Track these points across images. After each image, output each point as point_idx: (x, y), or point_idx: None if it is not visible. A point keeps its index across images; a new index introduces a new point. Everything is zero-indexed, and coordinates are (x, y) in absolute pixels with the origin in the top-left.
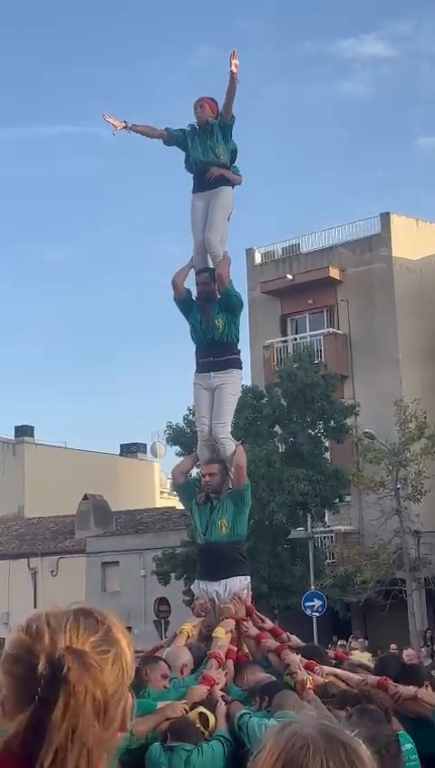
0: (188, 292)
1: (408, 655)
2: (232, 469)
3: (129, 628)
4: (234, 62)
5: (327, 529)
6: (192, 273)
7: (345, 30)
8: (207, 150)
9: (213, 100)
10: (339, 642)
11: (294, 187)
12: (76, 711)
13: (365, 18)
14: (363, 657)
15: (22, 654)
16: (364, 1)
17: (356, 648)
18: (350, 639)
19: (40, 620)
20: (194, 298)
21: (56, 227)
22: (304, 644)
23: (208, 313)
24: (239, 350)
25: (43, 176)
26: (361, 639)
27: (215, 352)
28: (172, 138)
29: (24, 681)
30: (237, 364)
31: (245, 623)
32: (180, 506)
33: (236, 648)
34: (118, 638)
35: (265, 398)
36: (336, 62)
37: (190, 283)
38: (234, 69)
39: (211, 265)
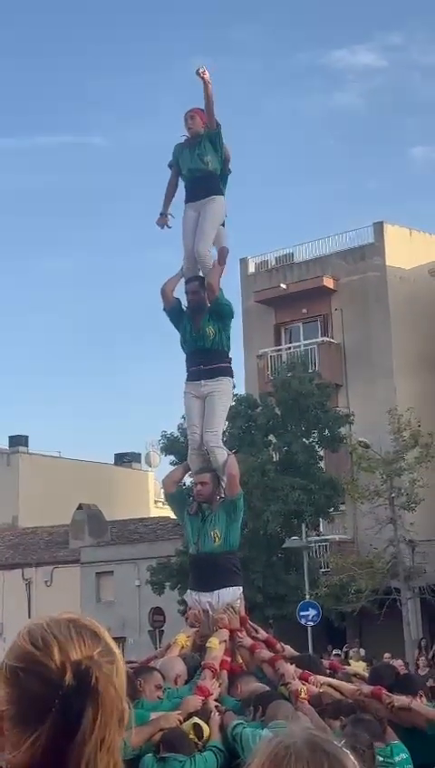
0: (178, 301)
1: (398, 666)
2: (224, 478)
3: (123, 639)
4: (201, 70)
5: (322, 538)
6: (182, 282)
7: (337, 41)
8: (196, 159)
9: (202, 110)
10: (334, 652)
11: (288, 196)
12: (105, 721)
13: (357, 29)
14: (359, 667)
15: (29, 666)
16: (356, 12)
17: (352, 658)
18: (345, 649)
19: (44, 631)
20: (184, 307)
21: (52, 237)
22: (298, 654)
23: (198, 322)
24: (230, 359)
25: (40, 185)
26: (355, 649)
27: (205, 360)
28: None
29: (34, 695)
30: (228, 372)
31: (239, 633)
32: (175, 516)
33: (229, 659)
34: (114, 647)
35: (260, 408)
36: (329, 73)
37: (180, 293)
38: (204, 75)
39: (201, 274)
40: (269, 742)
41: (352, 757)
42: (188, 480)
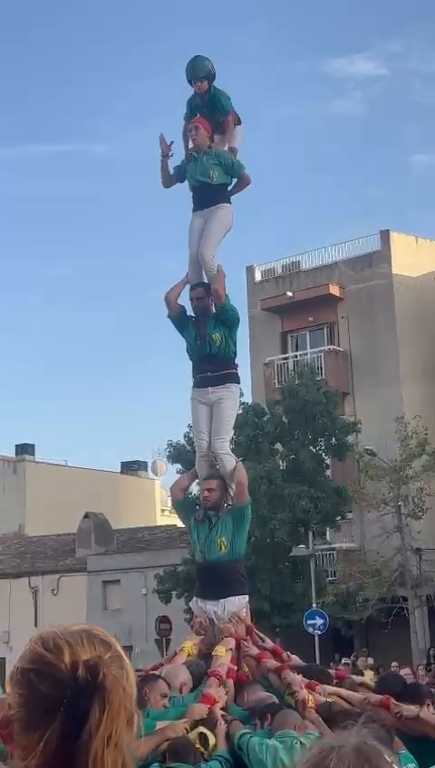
0: (183, 308)
1: (405, 674)
2: (232, 486)
3: (130, 647)
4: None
5: (329, 546)
6: (187, 288)
7: (337, 49)
8: (201, 171)
9: (205, 119)
10: (343, 660)
11: (293, 204)
12: (112, 717)
13: (356, 38)
14: (366, 676)
15: (40, 668)
16: (355, 20)
17: (361, 666)
18: (353, 658)
19: (55, 636)
20: (189, 314)
21: (55, 244)
22: (304, 664)
23: (204, 328)
24: (237, 365)
25: (41, 193)
26: (363, 658)
27: (212, 367)
28: (180, 176)
29: (43, 695)
30: (235, 379)
31: (245, 642)
32: (181, 524)
33: (236, 668)
34: (124, 655)
35: (267, 416)
36: (329, 81)
37: (185, 300)
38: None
39: (205, 280)
40: (320, 741)
41: None
42: (195, 488)
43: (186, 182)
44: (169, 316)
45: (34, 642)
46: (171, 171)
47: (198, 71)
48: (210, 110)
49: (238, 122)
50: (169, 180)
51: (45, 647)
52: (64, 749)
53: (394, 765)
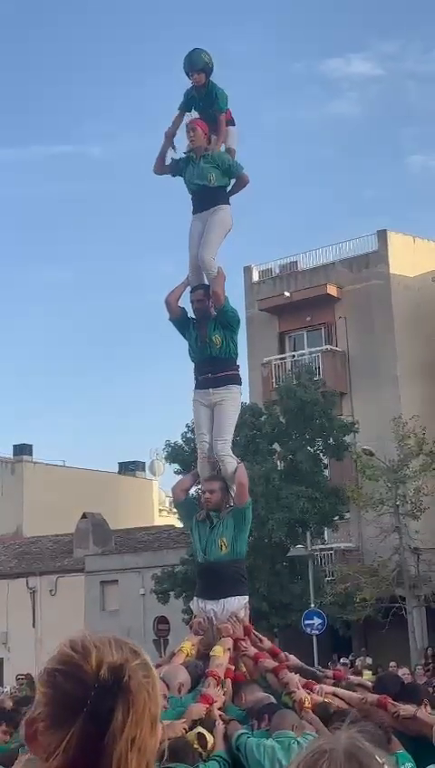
0: (183, 310)
1: (403, 674)
2: (233, 487)
3: None
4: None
5: (326, 546)
6: (187, 291)
7: (333, 50)
8: (199, 174)
9: (203, 120)
10: (341, 660)
11: (291, 205)
12: (136, 720)
13: (352, 38)
14: (364, 676)
15: (66, 668)
16: (351, 21)
17: (359, 666)
18: (351, 657)
19: (85, 639)
20: (190, 316)
21: (53, 247)
22: (301, 664)
23: (205, 330)
24: (238, 366)
25: (38, 195)
26: (361, 658)
27: (213, 368)
28: (174, 169)
29: (69, 696)
30: (237, 380)
31: (243, 643)
32: (179, 524)
33: (233, 668)
34: (151, 665)
35: (264, 416)
36: (325, 82)
37: (186, 302)
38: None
39: (206, 282)
40: (312, 743)
41: None
42: (193, 489)
43: (184, 184)
44: (169, 319)
45: (63, 644)
46: (168, 161)
47: (196, 63)
48: (206, 104)
49: (232, 123)
50: (161, 167)
51: (74, 648)
52: (87, 750)
53: (386, 766)
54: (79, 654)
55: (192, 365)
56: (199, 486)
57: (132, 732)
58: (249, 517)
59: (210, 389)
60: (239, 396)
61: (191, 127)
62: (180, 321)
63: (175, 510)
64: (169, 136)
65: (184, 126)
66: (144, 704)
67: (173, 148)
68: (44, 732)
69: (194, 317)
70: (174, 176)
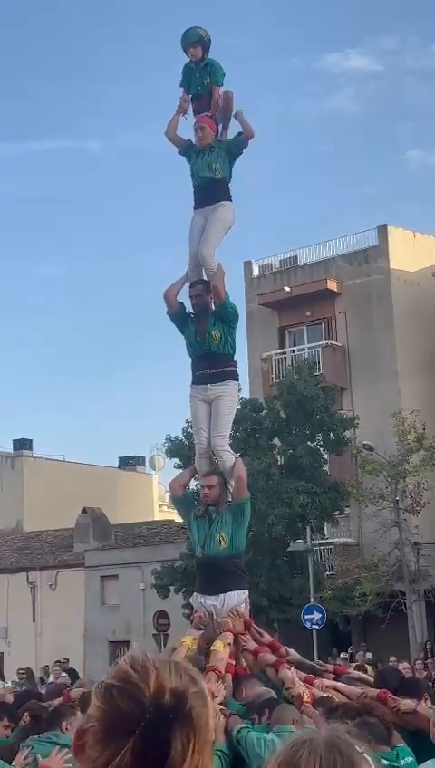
0: (182, 305)
1: (403, 668)
2: (231, 482)
3: (127, 642)
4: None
5: (326, 541)
6: (186, 286)
7: (331, 45)
8: (205, 165)
9: (211, 117)
10: (341, 655)
11: (291, 199)
12: (199, 749)
13: (350, 33)
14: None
15: (123, 685)
16: (349, 16)
17: (358, 662)
18: (351, 651)
19: (146, 659)
20: (188, 311)
21: (53, 242)
22: (301, 658)
23: (203, 325)
24: (236, 362)
25: (36, 190)
26: (361, 652)
27: (211, 364)
28: (184, 147)
29: (122, 712)
30: (234, 376)
31: (243, 637)
32: (179, 519)
33: (234, 662)
34: (207, 694)
35: (264, 411)
36: (323, 77)
37: (184, 297)
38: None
39: (205, 278)
40: (293, 736)
41: (372, 764)
42: (193, 484)
43: (187, 176)
44: (168, 313)
45: (124, 660)
46: (184, 138)
47: (191, 36)
48: (202, 75)
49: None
50: (173, 133)
51: (133, 666)
52: None
53: (366, 755)
54: (138, 674)
55: (191, 360)
56: (198, 482)
57: (195, 761)
58: (248, 512)
59: (208, 385)
60: (237, 391)
61: (200, 126)
62: (178, 315)
63: (173, 505)
64: (181, 109)
65: (191, 125)
66: (206, 732)
67: (184, 116)
68: (94, 746)
69: (193, 312)
70: (180, 153)
